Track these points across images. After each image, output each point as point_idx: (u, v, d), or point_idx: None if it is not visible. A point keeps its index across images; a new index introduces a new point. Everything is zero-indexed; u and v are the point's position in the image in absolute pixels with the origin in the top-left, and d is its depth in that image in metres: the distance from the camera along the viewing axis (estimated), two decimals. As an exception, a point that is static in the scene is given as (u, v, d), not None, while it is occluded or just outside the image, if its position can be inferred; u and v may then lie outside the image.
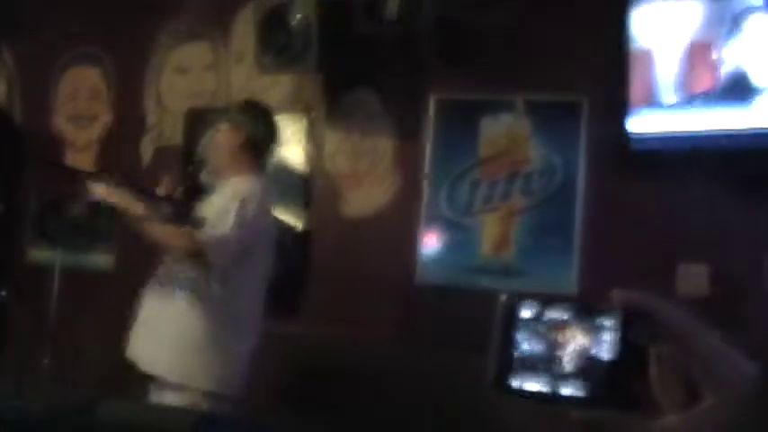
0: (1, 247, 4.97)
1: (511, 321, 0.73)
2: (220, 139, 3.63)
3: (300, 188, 3.96)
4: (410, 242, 4.24)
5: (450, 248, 4.24)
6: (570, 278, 3.98)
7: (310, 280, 4.39)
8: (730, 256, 3.79)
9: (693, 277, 3.79)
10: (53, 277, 4.28)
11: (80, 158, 5.06)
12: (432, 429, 4.01)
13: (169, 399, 3.29)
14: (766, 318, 3.51)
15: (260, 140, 3.64)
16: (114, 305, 4.59)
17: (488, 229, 4.18)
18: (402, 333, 4.12)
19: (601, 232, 4.01)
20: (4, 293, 4.31)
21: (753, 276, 3.73)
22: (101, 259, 4.87)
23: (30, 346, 4.03)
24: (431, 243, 4.26)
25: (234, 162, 3.56)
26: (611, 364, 0.71)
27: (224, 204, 3.39)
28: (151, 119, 4.96)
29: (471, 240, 4.20)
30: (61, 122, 5.18)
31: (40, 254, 4.91)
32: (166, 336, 3.36)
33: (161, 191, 3.63)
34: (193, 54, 4.92)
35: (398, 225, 4.26)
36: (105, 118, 5.09)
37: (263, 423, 3.34)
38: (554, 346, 0.72)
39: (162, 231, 3.37)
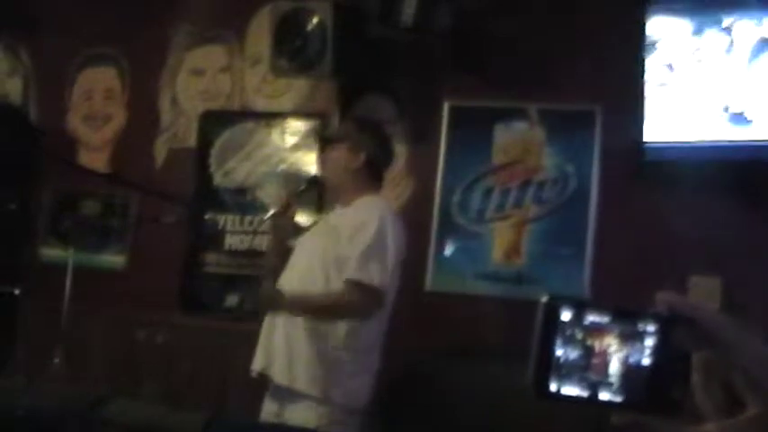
0: (14, 245, 4.99)
1: (551, 324, 0.72)
2: (339, 159, 3.53)
3: (314, 193, 3.96)
4: (422, 248, 4.24)
5: (462, 255, 4.24)
6: (581, 287, 3.97)
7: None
8: (743, 268, 3.78)
9: (706, 289, 3.78)
10: (65, 276, 4.29)
11: (94, 158, 5.07)
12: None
13: (302, 411, 3.28)
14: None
15: (380, 160, 3.61)
16: (125, 305, 4.63)
17: (500, 237, 4.18)
18: (413, 339, 4.12)
19: (613, 242, 4.01)
20: (16, 291, 4.32)
21: (766, 290, 3.72)
22: (113, 259, 4.89)
23: (41, 345, 4.04)
24: (442, 249, 4.26)
25: (356, 182, 3.51)
26: (652, 369, 0.71)
27: (355, 226, 3.36)
28: (165, 120, 4.97)
29: (483, 247, 4.20)
30: (76, 122, 5.20)
31: (52, 252, 4.92)
32: (309, 351, 3.31)
33: (274, 209, 3.62)
34: (209, 56, 4.94)
35: (410, 230, 4.25)
36: (120, 118, 5.11)
37: (266, 425, 3.35)
38: (593, 351, 0.71)
39: (338, 306, 3.34)
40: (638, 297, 0.73)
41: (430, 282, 4.25)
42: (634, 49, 3.84)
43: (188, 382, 4.38)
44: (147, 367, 4.52)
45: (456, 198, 4.27)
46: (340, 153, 3.54)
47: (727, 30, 3.70)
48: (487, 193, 4.23)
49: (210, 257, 4.69)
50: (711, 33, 3.73)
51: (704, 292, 3.76)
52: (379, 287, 3.30)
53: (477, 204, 4.24)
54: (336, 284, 3.33)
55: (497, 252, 4.18)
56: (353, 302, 3.29)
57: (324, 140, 3.74)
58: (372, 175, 3.57)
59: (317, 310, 3.31)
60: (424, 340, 4.09)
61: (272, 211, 3.63)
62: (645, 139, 3.83)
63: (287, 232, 3.68)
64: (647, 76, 3.81)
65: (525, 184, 4.18)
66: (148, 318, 4.61)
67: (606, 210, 4.05)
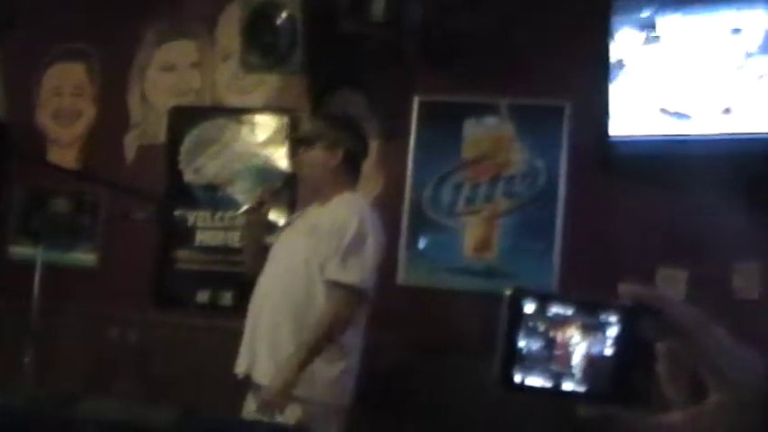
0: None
1: (515, 316, 0.72)
2: (317, 158, 3.52)
3: (285, 188, 3.96)
4: (393, 243, 4.25)
5: (433, 249, 4.26)
6: (551, 280, 4.01)
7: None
8: (709, 260, 3.83)
9: (672, 281, 3.83)
10: (35, 274, 4.26)
11: (64, 155, 5.03)
12: (417, 426, 4.03)
13: (287, 410, 3.23)
14: (743, 323, 3.55)
15: (357, 154, 3.61)
16: (97, 303, 4.61)
17: (471, 231, 4.21)
18: (385, 333, 4.13)
19: (582, 235, 4.05)
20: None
21: (730, 282, 3.78)
22: (84, 256, 4.86)
23: (12, 344, 4.01)
24: (414, 244, 4.28)
25: (333, 180, 3.50)
26: (614, 359, 0.71)
27: (334, 224, 3.35)
28: (135, 116, 4.95)
29: (454, 242, 4.22)
30: (45, 119, 5.16)
31: (22, 250, 4.88)
32: (291, 350, 3.28)
33: (251, 202, 3.61)
34: (179, 52, 4.92)
35: (382, 225, 4.27)
36: (89, 115, 5.07)
37: (240, 420, 3.34)
38: (555, 342, 0.71)
39: (327, 325, 3.28)
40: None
41: (402, 276, 4.27)
42: (600, 45, 3.87)
43: (161, 378, 4.37)
44: (120, 365, 4.51)
45: (427, 193, 4.28)
46: (317, 153, 3.53)
47: (697, 23, 3.74)
48: (458, 187, 4.25)
49: (182, 254, 4.68)
50: (675, 27, 3.78)
51: (671, 284, 3.81)
52: (360, 286, 3.29)
53: (448, 199, 4.26)
54: (317, 286, 3.32)
55: (468, 246, 4.20)
56: (339, 307, 3.26)
57: (298, 141, 3.73)
58: (350, 170, 3.57)
59: (319, 343, 3.25)
60: (396, 335, 4.10)
61: (245, 207, 3.62)
62: (612, 134, 3.87)
63: (261, 229, 3.67)
64: (612, 72, 3.85)
65: (495, 178, 4.21)
66: (120, 315, 4.59)
67: (575, 203, 4.08)
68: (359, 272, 3.28)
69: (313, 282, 3.33)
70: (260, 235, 3.67)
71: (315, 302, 3.32)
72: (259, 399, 3.30)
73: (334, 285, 3.28)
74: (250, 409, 3.38)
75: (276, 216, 4.00)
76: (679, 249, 3.90)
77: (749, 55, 3.65)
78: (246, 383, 3.40)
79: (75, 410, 2.71)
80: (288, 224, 3.74)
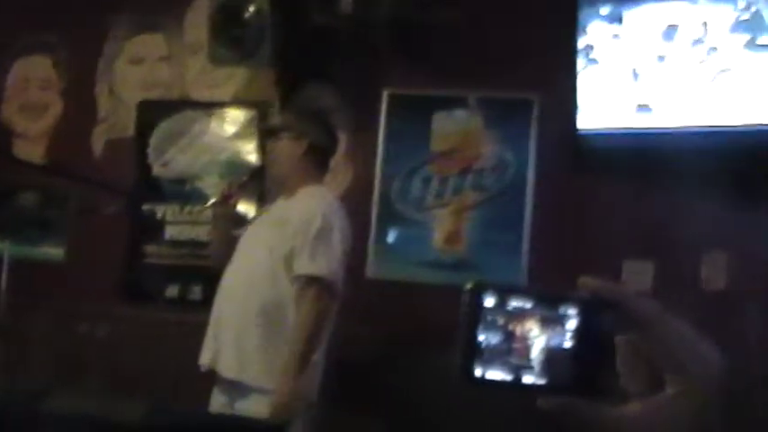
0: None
1: (475, 310, 0.73)
2: (283, 149, 3.52)
3: (257, 184, 3.95)
4: (362, 236, 4.25)
5: (402, 243, 4.27)
6: (520, 272, 4.03)
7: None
8: (676, 252, 3.87)
9: (639, 273, 3.86)
10: (2, 269, 4.23)
11: (31, 149, 4.98)
12: (387, 420, 4.04)
13: (252, 404, 3.24)
14: (709, 315, 3.59)
15: (323, 148, 3.59)
16: (65, 297, 4.58)
17: (440, 224, 4.22)
18: (355, 327, 4.14)
19: (550, 227, 4.07)
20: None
21: (696, 273, 3.82)
22: (52, 251, 4.82)
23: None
24: (383, 237, 4.28)
25: (299, 172, 3.49)
26: (574, 351, 0.72)
27: (301, 217, 3.34)
28: (103, 110, 4.91)
29: (423, 235, 4.23)
30: (11, 112, 5.11)
31: (-12, 245, 4.84)
32: (259, 344, 3.28)
33: (218, 195, 3.60)
34: (148, 45, 4.88)
35: (351, 219, 4.27)
36: (57, 108, 5.03)
37: (208, 413, 3.34)
38: (514, 335, 0.72)
39: (311, 322, 3.25)
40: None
41: (371, 269, 4.27)
42: (568, 38, 3.90)
43: (131, 373, 4.36)
44: (89, 360, 4.49)
45: (396, 186, 4.29)
46: (284, 143, 3.53)
47: (663, 15, 3.78)
48: (427, 180, 4.26)
49: (151, 248, 4.65)
50: (641, 19, 3.81)
51: (637, 276, 3.84)
52: (330, 277, 3.29)
53: (417, 192, 4.27)
54: (283, 278, 3.31)
55: (438, 239, 4.21)
56: (316, 303, 3.25)
57: (266, 131, 3.72)
58: (317, 163, 3.57)
59: (309, 344, 3.23)
60: (366, 328, 4.11)
61: (212, 200, 3.61)
62: (580, 127, 3.89)
63: (228, 222, 3.66)
64: (580, 65, 3.88)
65: (464, 171, 4.22)
66: (89, 310, 4.57)
67: (544, 196, 4.11)
68: (327, 264, 3.28)
69: (279, 276, 3.32)
70: (227, 228, 3.66)
71: (281, 296, 3.31)
72: (226, 393, 3.32)
73: (305, 282, 3.27)
74: (216, 402, 3.38)
75: (245, 209, 3.99)
76: (646, 241, 3.94)
77: (713, 49, 3.69)
78: (212, 376, 3.39)
79: (44, 405, 2.70)
80: (255, 218, 3.74)
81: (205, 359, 3.38)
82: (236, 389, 3.32)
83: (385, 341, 4.12)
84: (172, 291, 4.55)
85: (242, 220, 3.79)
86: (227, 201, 3.61)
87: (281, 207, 3.52)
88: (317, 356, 3.33)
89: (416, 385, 3.94)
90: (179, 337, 3.93)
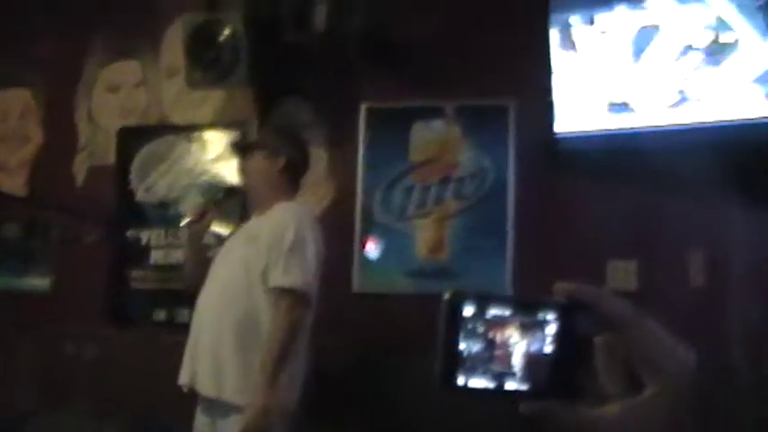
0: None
1: (454, 319, 0.74)
2: (259, 167, 3.56)
3: (234, 202, 3.96)
4: (346, 250, 4.26)
5: (387, 254, 4.26)
6: (504, 278, 4.04)
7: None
8: (657, 251, 3.89)
9: (622, 273, 3.88)
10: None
11: (12, 181, 4.99)
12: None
13: (234, 422, 3.23)
14: (692, 311, 3.60)
15: (298, 165, 3.63)
16: (52, 326, 4.58)
17: (423, 234, 4.22)
18: (344, 341, 4.14)
19: (532, 232, 4.08)
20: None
21: (678, 271, 3.84)
22: (38, 281, 4.82)
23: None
24: (367, 250, 4.29)
25: (274, 188, 3.53)
26: (553, 356, 0.73)
27: (274, 232, 3.36)
28: (83, 138, 4.92)
29: (407, 245, 4.24)
30: (-8, 145, 5.12)
31: (-26, 277, 4.84)
32: (235, 360, 3.28)
33: (189, 217, 3.60)
34: (123, 72, 4.90)
35: (334, 233, 4.27)
36: (37, 139, 5.03)
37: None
38: (495, 343, 0.73)
39: (283, 333, 3.26)
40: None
41: (357, 283, 4.28)
42: (541, 42, 3.92)
43: (118, 397, 4.35)
44: (75, 386, 4.48)
45: (377, 198, 4.30)
46: (258, 160, 3.57)
47: (636, 17, 3.81)
48: (408, 191, 4.27)
49: (136, 273, 4.65)
50: (614, 21, 3.84)
51: (621, 276, 3.86)
52: (304, 288, 3.30)
53: (399, 203, 4.27)
54: (258, 294, 3.33)
55: (421, 249, 4.22)
56: (288, 314, 3.25)
57: (241, 149, 3.74)
58: (290, 181, 3.60)
59: (280, 355, 3.22)
60: (354, 341, 4.12)
61: (187, 219, 3.62)
62: (557, 130, 3.92)
63: (202, 240, 3.68)
64: (554, 69, 3.90)
65: (445, 180, 4.23)
66: (76, 336, 4.56)
67: (524, 201, 4.12)
68: (300, 275, 3.29)
69: (254, 291, 3.33)
70: (201, 247, 3.69)
71: (256, 312, 3.32)
72: (208, 412, 3.34)
73: (279, 294, 3.28)
74: (199, 421, 3.39)
75: (223, 229, 3.99)
76: (628, 241, 3.95)
77: (688, 47, 3.72)
78: (194, 395, 3.39)
79: (30, 427, 2.70)
80: (229, 236, 3.75)
81: (184, 378, 3.38)
82: (217, 407, 3.32)
83: (373, 352, 4.12)
84: (159, 315, 4.55)
85: (220, 240, 3.80)
86: (200, 219, 3.62)
87: (254, 223, 3.55)
88: (296, 367, 3.34)
89: (409, 393, 3.93)
90: (168, 361, 3.92)
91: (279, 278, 3.29)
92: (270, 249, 3.31)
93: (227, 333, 3.31)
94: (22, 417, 2.73)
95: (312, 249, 3.35)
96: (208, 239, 3.74)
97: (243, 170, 3.66)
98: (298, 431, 3.37)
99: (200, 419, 3.39)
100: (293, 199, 3.59)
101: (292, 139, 3.71)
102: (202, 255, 3.66)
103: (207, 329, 3.36)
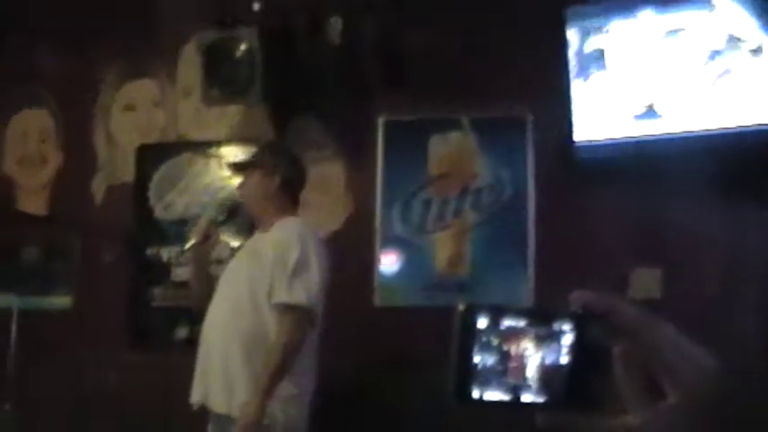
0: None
1: (468, 331, 0.72)
2: (257, 185, 3.60)
3: (229, 218, 3.97)
4: (367, 265, 4.26)
5: (407, 268, 4.26)
6: (526, 290, 4.02)
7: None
8: (681, 258, 3.85)
9: (646, 281, 3.85)
10: (12, 322, 4.26)
11: (32, 201, 5.01)
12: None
13: None
14: (718, 318, 3.57)
15: (294, 181, 3.65)
16: (74, 346, 4.59)
17: (442, 247, 4.21)
18: (365, 356, 4.13)
19: (553, 243, 4.06)
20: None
21: (703, 278, 3.80)
22: (59, 301, 4.83)
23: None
24: (387, 265, 4.28)
25: (273, 205, 3.56)
26: (570, 367, 0.71)
27: (278, 249, 3.37)
28: (102, 158, 4.94)
29: (426, 259, 4.23)
30: (11, 166, 5.14)
31: (-4, 299, 4.85)
32: (246, 377, 3.30)
33: (194, 239, 3.63)
34: (141, 91, 4.92)
35: (354, 249, 4.28)
36: (56, 159, 5.06)
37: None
38: (509, 355, 0.72)
39: (283, 348, 3.28)
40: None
41: (378, 298, 4.27)
42: (557, 52, 3.91)
43: (141, 419, 4.35)
44: (100, 408, 4.49)
45: (396, 212, 4.29)
46: (256, 179, 3.60)
47: (648, 25, 3.78)
48: (427, 204, 4.26)
49: (157, 291, 4.66)
50: (627, 30, 3.82)
51: (645, 284, 3.83)
52: (308, 306, 3.32)
53: (418, 217, 4.27)
54: (266, 311, 3.35)
55: (440, 263, 4.20)
56: (290, 330, 3.28)
57: (237, 168, 3.77)
58: (289, 196, 3.62)
59: (278, 369, 3.25)
60: (378, 356, 4.11)
61: (192, 242, 3.65)
62: (575, 139, 3.89)
63: (207, 261, 3.73)
64: (572, 77, 3.89)
65: (463, 192, 4.22)
66: (99, 358, 4.57)
67: (544, 212, 4.10)
68: (305, 292, 3.30)
69: (260, 308, 3.36)
70: (205, 268, 3.73)
71: (264, 328, 3.34)
72: (219, 427, 3.35)
73: (283, 309, 3.30)
74: None
75: (234, 241, 4.02)
76: (651, 249, 3.93)
77: (714, 52, 3.68)
78: (206, 413, 3.41)
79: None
80: (234, 253, 3.78)
81: (196, 397, 3.41)
82: (228, 423, 3.33)
83: (392, 366, 4.11)
84: (181, 332, 4.55)
85: (233, 251, 3.83)
86: (206, 241, 3.65)
87: (258, 240, 3.57)
88: (304, 388, 3.36)
89: (423, 408, 3.90)
90: (189, 380, 3.92)
91: (283, 295, 3.31)
92: (275, 266, 3.34)
93: (236, 350, 3.34)
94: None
95: (316, 266, 3.37)
96: (221, 254, 3.73)
97: (242, 189, 3.69)
98: None
99: None
100: (295, 214, 3.62)
101: (287, 157, 3.74)
102: (208, 274, 3.71)
103: (216, 347, 3.39)
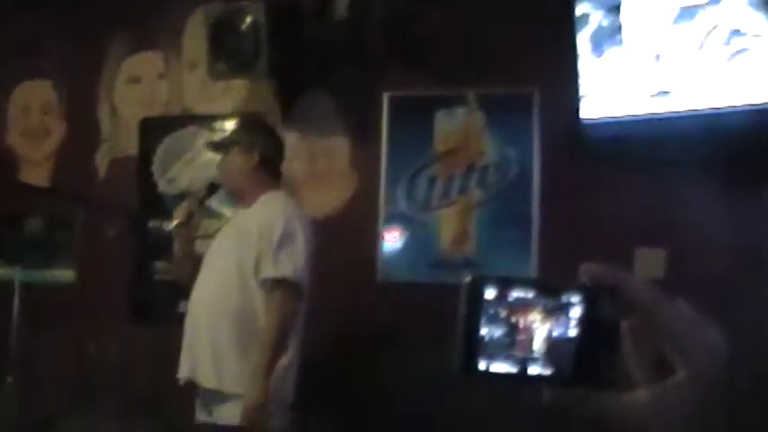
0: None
1: (475, 303, 0.72)
2: (236, 163, 3.61)
3: (210, 196, 3.96)
4: (370, 240, 4.25)
5: (411, 245, 4.25)
6: (530, 268, 4.01)
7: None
8: (688, 239, 3.84)
9: (651, 261, 3.83)
10: (14, 294, 4.25)
11: (35, 174, 5.01)
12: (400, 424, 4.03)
13: (230, 409, 3.29)
14: (722, 300, 3.56)
15: (273, 157, 3.67)
16: (77, 318, 4.59)
17: (447, 224, 4.20)
18: (366, 331, 4.13)
19: (558, 221, 4.04)
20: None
21: (709, 259, 3.79)
22: (62, 273, 4.83)
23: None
24: (391, 240, 4.27)
25: (254, 183, 3.57)
26: (578, 340, 0.70)
27: (262, 224, 3.40)
28: (105, 130, 4.93)
29: (431, 236, 4.21)
30: (14, 138, 5.13)
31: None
32: (234, 351, 3.34)
33: (177, 218, 3.64)
34: (145, 64, 4.90)
35: (358, 224, 4.27)
36: (59, 132, 5.05)
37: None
38: (517, 327, 0.71)
39: (277, 325, 3.30)
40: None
41: (381, 273, 4.26)
42: (566, 28, 3.87)
43: (144, 393, 4.35)
44: (102, 381, 4.49)
45: (401, 188, 4.28)
46: (234, 157, 3.61)
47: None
48: (432, 181, 4.24)
49: (160, 265, 4.65)
50: (635, 6, 3.78)
51: (649, 264, 3.81)
52: (294, 279, 3.33)
53: (423, 193, 4.25)
54: (253, 286, 3.37)
55: (445, 240, 4.19)
56: (281, 305, 3.30)
57: (216, 147, 3.77)
58: (269, 172, 3.64)
59: (275, 346, 3.28)
60: (377, 331, 4.11)
61: (174, 222, 3.66)
62: (582, 117, 3.87)
63: (191, 240, 3.75)
64: (580, 54, 3.85)
65: (468, 170, 4.20)
66: (101, 330, 4.57)
67: (549, 189, 4.08)
68: (291, 265, 3.32)
69: (247, 283, 3.38)
70: (190, 245, 3.75)
71: (251, 304, 3.37)
72: (206, 403, 3.40)
73: (271, 286, 3.32)
74: (200, 414, 3.46)
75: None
76: (656, 229, 3.91)
77: (733, 31, 3.63)
78: (193, 389, 3.44)
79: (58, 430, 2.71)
80: (218, 231, 3.79)
81: (183, 372, 3.44)
82: (216, 397, 3.38)
83: (394, 343, 4.10)
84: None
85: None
86: (189, 221, 3.67)
87: (242, 217, 3.60)
88: (290, 359, 3.37)
89: (424, 385, 3.91)
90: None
91: (270, 269, 3.33)
92: (260, 241, 3.36)
93: (224, 325, 3.37)
94: (48, 421, 2.73)
95: (302, 240, 3.38)
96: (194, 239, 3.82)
97: (221, 167, 3.70)
98: (296, 421, 3.42)
99: (200, 411, 3.47)
100: (277, 188, 3.63)
101: (264, 133, 3.75)
102: (192, 253, 3.73)
103: (204, 323, 3.42)
